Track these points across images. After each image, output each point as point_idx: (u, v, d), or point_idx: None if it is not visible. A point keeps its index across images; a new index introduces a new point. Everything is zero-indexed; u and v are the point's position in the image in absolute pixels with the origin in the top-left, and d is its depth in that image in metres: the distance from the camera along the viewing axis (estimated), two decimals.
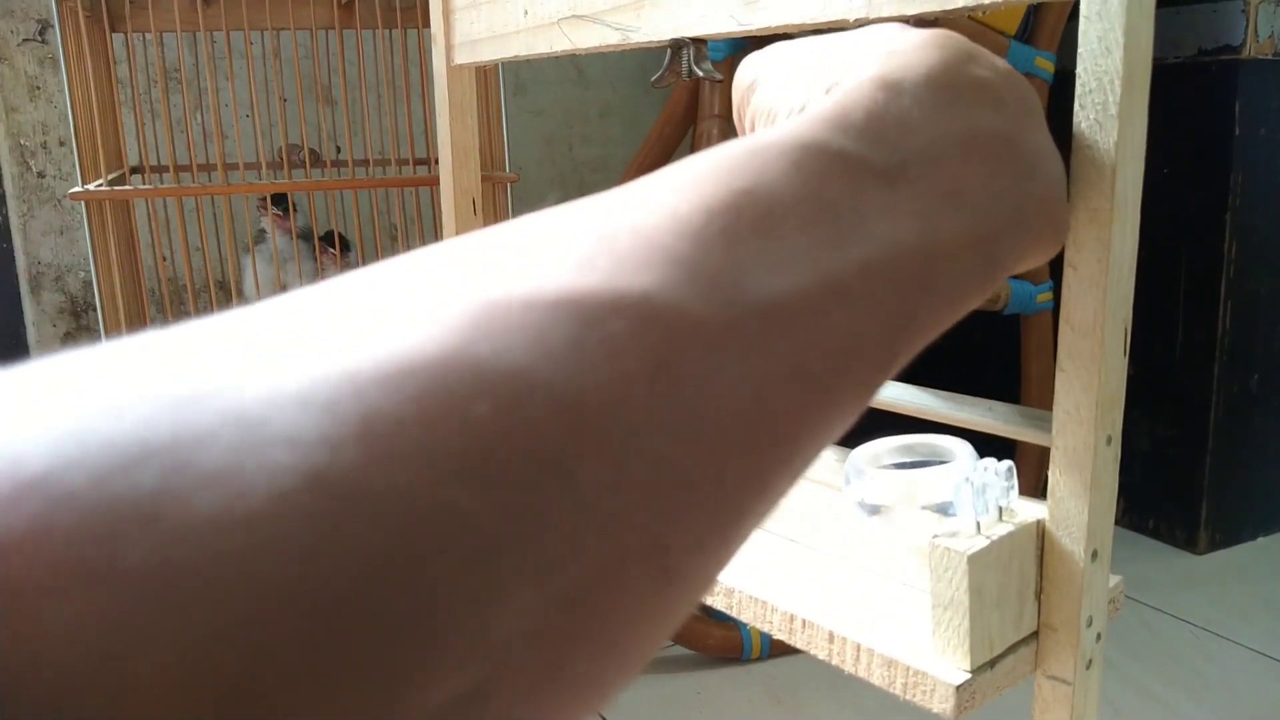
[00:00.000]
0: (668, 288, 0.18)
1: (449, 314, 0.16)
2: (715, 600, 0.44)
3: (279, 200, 1.34)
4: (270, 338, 0.15)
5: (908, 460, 0.45)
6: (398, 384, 0.14)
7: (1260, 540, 1.96)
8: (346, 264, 1.34)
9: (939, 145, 0.26)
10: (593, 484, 0.16)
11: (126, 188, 1.18)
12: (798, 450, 0.21)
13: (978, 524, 0.36)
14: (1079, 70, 0.33)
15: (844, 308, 0.21)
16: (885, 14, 0.39)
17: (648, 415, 0.17)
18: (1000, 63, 0.30)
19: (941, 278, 0.24)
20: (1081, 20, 0.33)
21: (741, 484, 0.19)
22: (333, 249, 1.32)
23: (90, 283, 1.68)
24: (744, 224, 0.21)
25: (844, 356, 0.21)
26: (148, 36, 1.37)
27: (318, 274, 1.31)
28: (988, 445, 0.42)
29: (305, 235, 1.36)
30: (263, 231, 1.35)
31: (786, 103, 0.30)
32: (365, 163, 1.31)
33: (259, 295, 1.33)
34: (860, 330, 0.22)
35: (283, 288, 1.32)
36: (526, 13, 0.57)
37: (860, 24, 0.40)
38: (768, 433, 0.19)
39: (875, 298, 0.22)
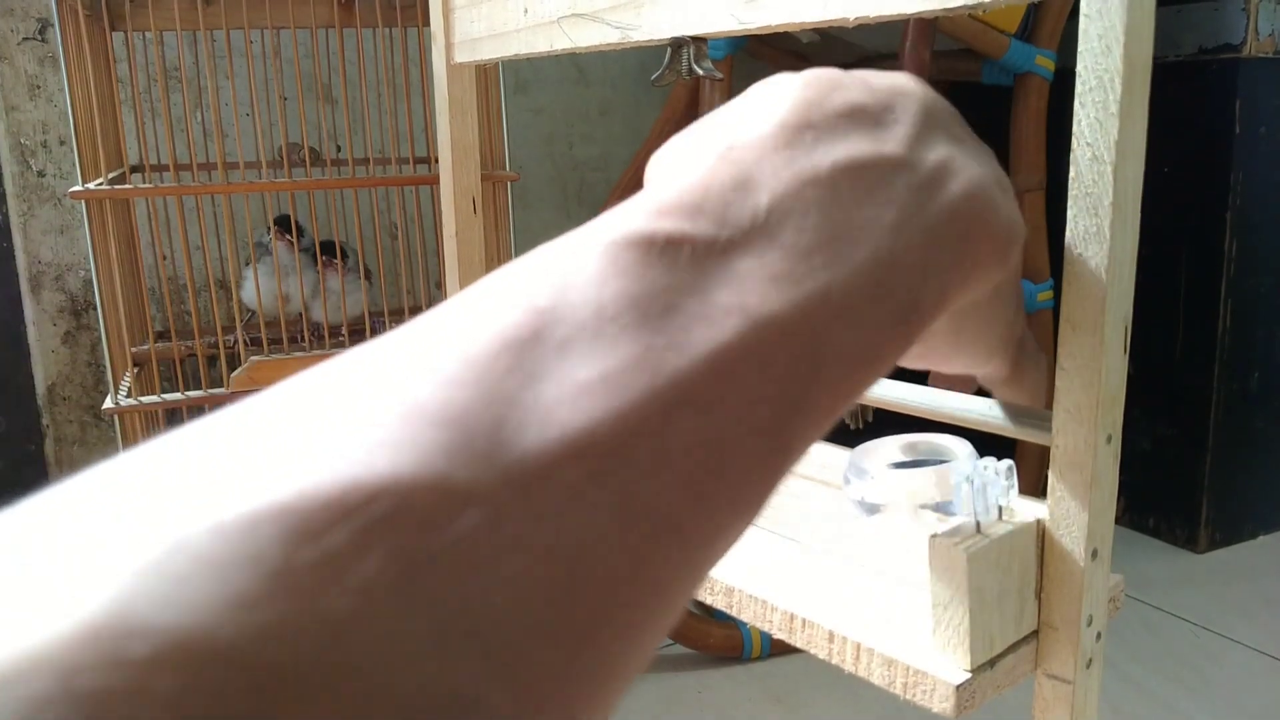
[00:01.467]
0: (427, 460, 0.15)
1: (113, 563, 0.13)
2: (715, 600, 0.44)
3: (284, 222, 1.34)
4: None
5: (908, 459, 0.45)
6: (37, 674, 0.11)
7: (1260, 539, 1.96)
8: (347, 270, 1.34)
9: (802, 192, 0.22)
10: None
11: (127, 187, 1.18)
12: (664, 592, 0.17)
13: (978, 523, 0.36)
14: (1079, 68, 0.33)
15: (693, 418, 0.18)
16: (885, 12, 0.39)
17: (401, 637, 0.14)
18: (882, 79, 0.26)
19: (835, 345, 0.20)
20: (1082, 18, 0.33)
21: (565, 674, 0.15)
22: (334, 259, 1.33)
23: (90, 282, 1.68)
24: (545, 349, 0.17)
25: (706, 474, 0.18)
26: (148, 35, 1.37)
27: (319, 284, 1.31)
28: (988, 444, 0.42)
29: (306, 248, 1.36)
30: (262, 245, 1.35)
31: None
32: (365, 161, 1.31)
33: (260, 306, 1.33)
34: (722, 438, 0.18)
35: (285, 299, 1.33)
36: (527, 11, 0.57)
37: (861, 23, 0.40)
38: (601, 601, 0.16)
39: (738, 394, 0.19)
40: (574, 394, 0.17)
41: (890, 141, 0.24)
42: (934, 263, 0.23)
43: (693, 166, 0.22)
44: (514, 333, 0.17)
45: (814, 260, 0.21)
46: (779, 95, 0.24)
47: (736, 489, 0.19)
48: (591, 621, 0.16)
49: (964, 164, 0.25)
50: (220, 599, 0.13)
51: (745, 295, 0.19)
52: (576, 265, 0.19)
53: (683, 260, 0.19)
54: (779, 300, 0.20)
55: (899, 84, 0.26)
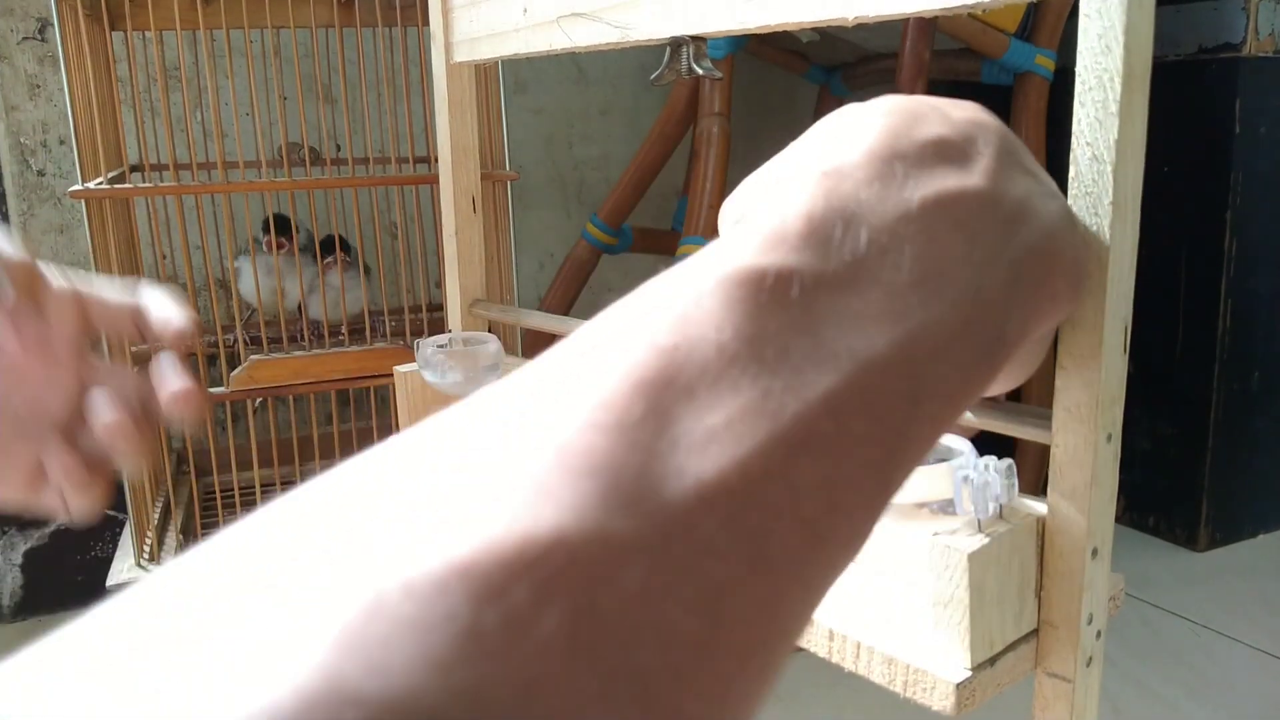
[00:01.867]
0: (585, 511, 0.15)
1: (317, 625, 0.13)
2: None
3: (281, 224, 1.33)
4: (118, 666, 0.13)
5: None
6: None
7: (1260, 537, 1.96)
8: (348, 264, 1.34)
9: (897, 227, 0.22)
10: None
11: (126, 186, 1.18)
12: (788, 630, 0.18)
13: (978, 522, 0.36)
14: (1079, 68, 0.33)
15: (812, 460, 0.18)
16: (884, 12, 0.39)
17: (575, 694, 0.14)
18: (959, 110, 0.26)
19: (932, 381, 0.21)
20: (1081, 18, 0.33)
21: (711, 697, 0.16)
22: (333, 256, 1.32)
23: None
24: (674, 393, 0.18)
25: (824, 515, 0.18)
26: (147, 35, 1.37)
27: (319, 279, 1.31)
28: (988, 443, 0.42)
29: (306, 246, 1.36)
30: (259, 242, 1.35)
31: (730, 216, 0.28)
32: (365, 161, 1.31)
33: (260, 301, 1.33)
34: (838, 477, 0.19)
35: (282, 294, 1.33)
36: (526, 11, 0.57)
37: (860, 22, 0.40)
38: (736, 649, 0.16)
39: (851, 434, 0.19)
40: (704, 441, 0.17)
41: (975, 175, 0.24)
42: (1017, 299, 0.24)
43: (790, 195, 0.22)
44: (642, 374, 0.18)
45: (910, 298, 0.21)
46: (864, 124, 0.25)
47: (850, 527, 0.19)
48: (730, 671, 0.16)
49: (1042, 200, 0.25)
50: (421, 663, 0.13)
51: (850, 335, 0.20)
52: (693, 303, 0.19)
53: (792, 297, 0.20)
54: (882, 341, 0.20)
55: (976, 116, 0.26)
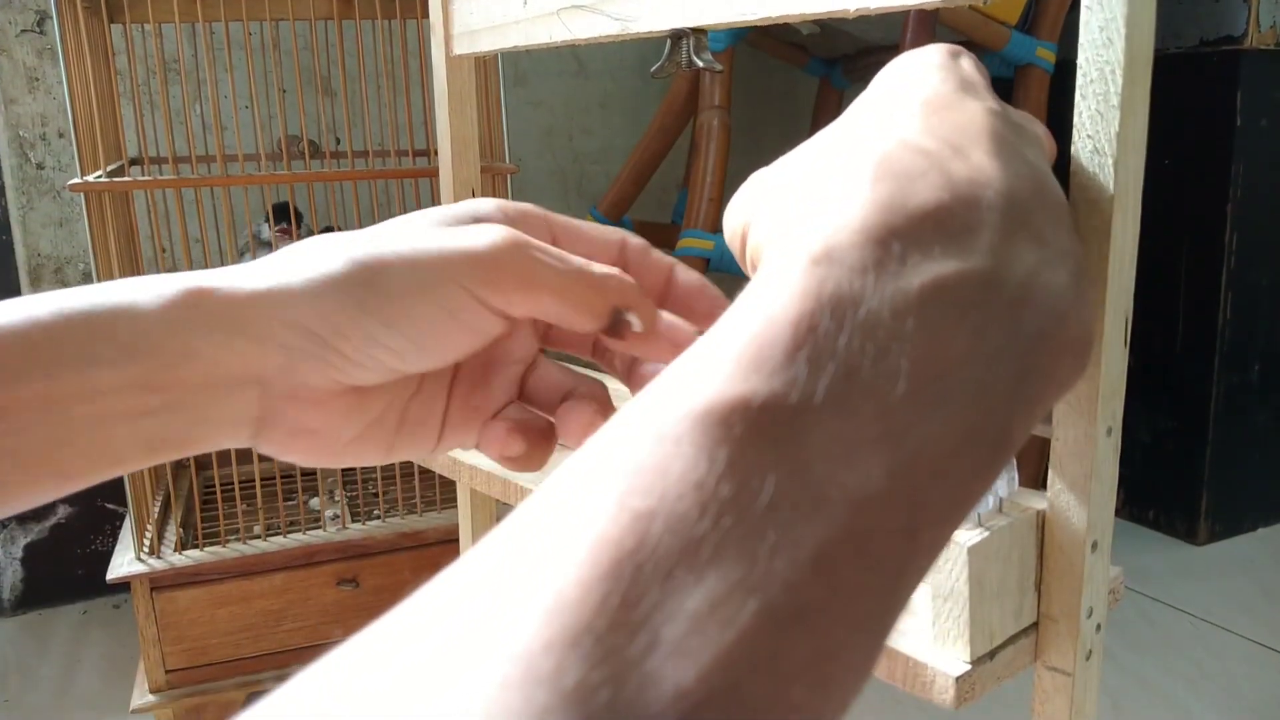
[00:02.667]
0: None
1: None
2: None
3: (281, 211, 1.34)
4: None
5: None
6: None
7: (1260, 531, 1.96)
8: None
9: (894, 325, 0.19)
10: None
11: (126, 179, 1.18)
12: None
13: (977, 515, 0.36)
14: (1080, 60, 0.33)
15: (801, 635, 0.16)
16: (885, 4, 0.39)
17: None
18: (960, 162, 0.23)
19: (932, 506, 0.19)
20: (1083, 10, 0.33)
21: None
22: None
23: (90, 274, 1.68)
24: (650, 575, 0.16)
25: (812, 697, 0.16)
26: (146, 28, 1.36)
27: None
28: None
29: (306, 237, 1.36)
30: (259, 238, 1.35)
31: (733, 223, 0.26)
32: (365, 154, 1.30)
33: None
34: (828, 647, 0.17)
35: None
36: (526, 3, 0.56)
37: (861, 14, 0.40)
38: None
39: (843, 593, 0.17)
40: (684, 635, 0.15)
41: (978, 253, 0.21)
42: (1023, 393, 0.21)
43: (775, 289, 0.20)
44: (614, 554, 0.16)
45: (908, 412, 0.19)
46: (857, 187, 0.22)
47: (841, 697, 0.17)
48: None
49: (1049, 274, 0.22)
50: None
51: (842, 470, 0.18)
52: (670, 447, 0.17)
53: (779, 430, 0.18)
54: (877, 471, 0.18)
55: (980, 174, 0.23)
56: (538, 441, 0.34)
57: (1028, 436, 0.22)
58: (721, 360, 0.19)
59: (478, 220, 0.33)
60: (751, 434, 0.18)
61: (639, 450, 0.18)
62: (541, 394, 0.36)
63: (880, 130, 0.24)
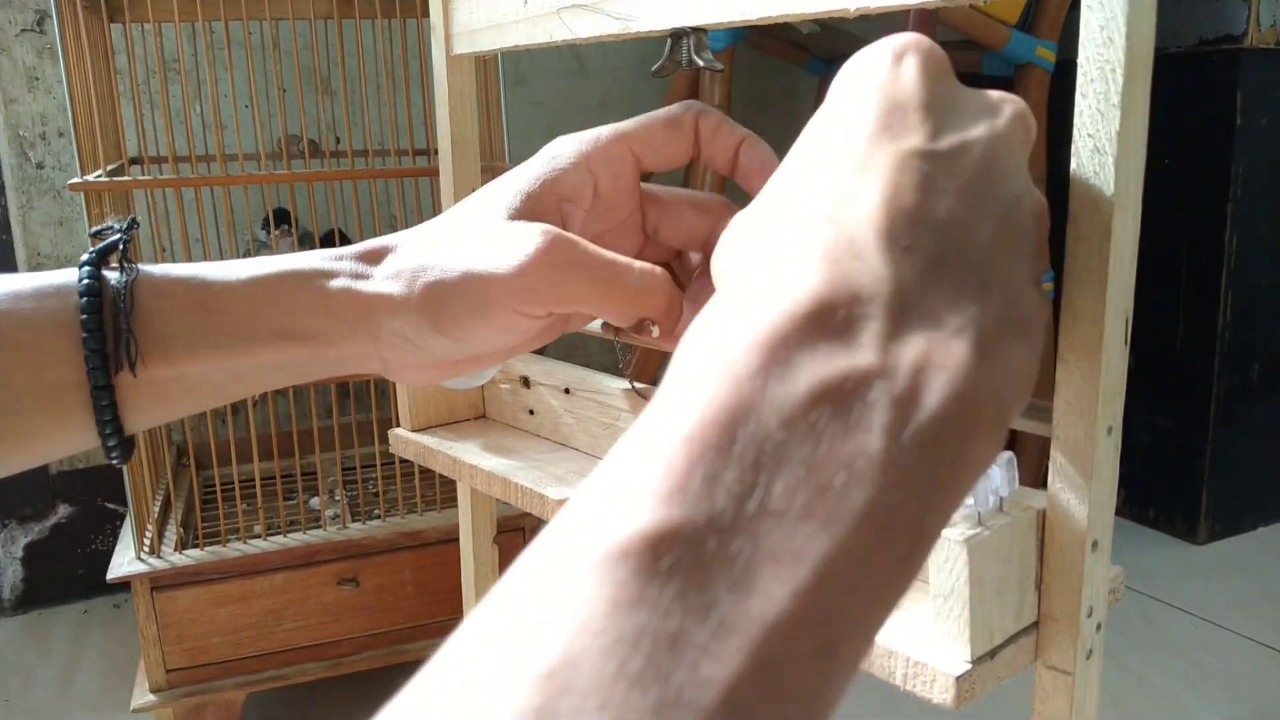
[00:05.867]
0: None
1: None
2: None
3: (280, 218, 1.34)
4: None
5: None
6: None
7: (1260, 530, 1.96)
8: None
9: (783, 441, 0.19)
10: None
11: (126, 179, 1.18)
12: None
13: (978, 514, 0.36)
14: (1080, 60, 0.33)
15: None
16: (886, 3, 0.39)
17: None
18: (848, 266, 0.22)
19: (848, 621, 0.18)
20: (1083, 9, 0.33)
21: None
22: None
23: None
24: None
25: None
26: (146, 27, 1.36)
27: None
28: None
29: (305, 239, 1.36)
30: (260, 241, 1.35)
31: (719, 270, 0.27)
32: (364, 153, 1.30)
33: None
34: None
35: None
36: (526, 2, 0.56)
37: (861, 13, 0.40)
38: None
39: None
40: None
41: (863, 349, 0.21)
42: (933, 481, 0.20)
43: (676, 398, 0.20)
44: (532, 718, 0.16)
45: (811, 524, 0.18)
46: (754, 285, 0.22)
47: None
48: None
49: (944, 353, 0.21)
50: None
51: (748, 598, 0.17)
52: (578, 594, 0.17)
53: (683, 563, 0.17)
54: (782, 594, 0.17)
55: (862, 267, 0.22)
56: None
57: (947, 523, 0.21)
58: (624, 489, 0.19)
59: (530, 207, 0.38)
60: (651, 572, 0.17)
61: (549, 603, 0.17)
62: (671, 238, 0.42)
63: (793, 209, 0.24)
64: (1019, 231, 0.25)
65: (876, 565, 0.19)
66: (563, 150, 0.40)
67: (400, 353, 0.37)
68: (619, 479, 0.19)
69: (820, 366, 0.20)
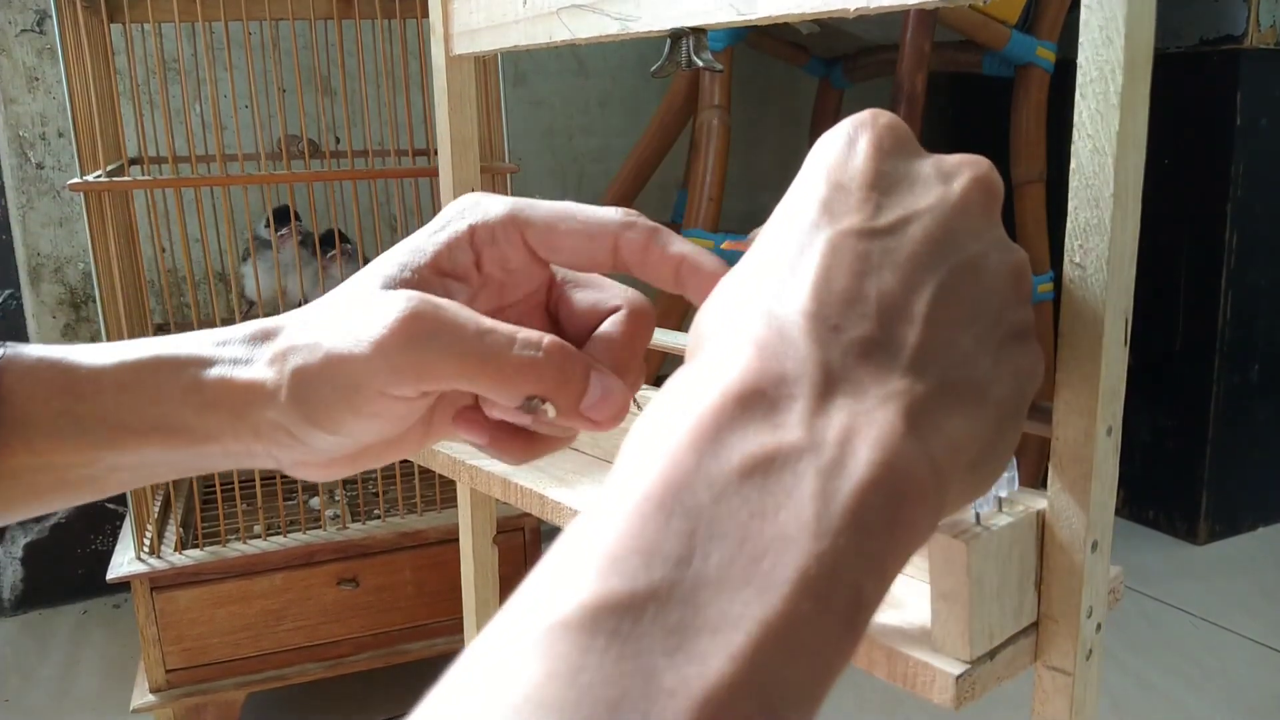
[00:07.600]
0: None
1: None
2: None
3: (281, 216, 1.34)
4: None
5: None
6: None
7: (1260, 530, 1.97)
8: (346, 255, 1.34)
9: (715, 513, 0.20)
10: None
11: (125, 179, 1.18)
12: None
13: (977, 515, 0.36)
14: (1080, 60, 0.33)
15: None
16: (885, 3, 0.39)
17: None
18: (778, 350, 0.23)
19: (787, 687, 0.19)
20: (1083, 9, 0.33)
21: None
22: (334, 250, 1.33)
23: (90, 274, 1.68)
24: None
25: None
26: (146, 27, 1.36)
27: (319, 275, 1.31)
28: None
29: (306, 240, 1.36)
30: (260, 239, 1.35)
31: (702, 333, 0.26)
32: (364, 153, 1.30)
33: (260, 300, 1.33)
34: None
35: (284, 293, 1.33)
36: (525, 2, 0.56)
37: (861, 14, 0.40)
38: None
39: None
40: None
41: (790, 427, 0.22)
42: (867, 547, 0.21)
43: (625, 470, 0.21)
44: None
45: (747, 593, 0.19)
46: (698, 371, 0.23)
47: None
48: None
49: (869, 422, 0.22)
50: None
51: (685, 664, 0.18)
52: (526, 673, 0.18)
53: (621, 631, 0.18)
54: (718, 662, 0.18)
55: (787, 347, 0.23)
56: (500, 436, 0.36)
57: (887, 590, 0.22)
58: (571, 563, 0.20)
59: (409, 278, 0.34)
60: (591, 642, 0.18)
61: (495, 669, 0.18)
62: (575, 322, 0.37)
63: (743, 297, 0.25)
64: (970, 297, 0.26)
65: (816, 630, 0.19)
66: (455, 218, 0.35)
67: (287, 450, 0.33)
68: (569, 553, 0.20)
69: (749, 444, 0.21)
